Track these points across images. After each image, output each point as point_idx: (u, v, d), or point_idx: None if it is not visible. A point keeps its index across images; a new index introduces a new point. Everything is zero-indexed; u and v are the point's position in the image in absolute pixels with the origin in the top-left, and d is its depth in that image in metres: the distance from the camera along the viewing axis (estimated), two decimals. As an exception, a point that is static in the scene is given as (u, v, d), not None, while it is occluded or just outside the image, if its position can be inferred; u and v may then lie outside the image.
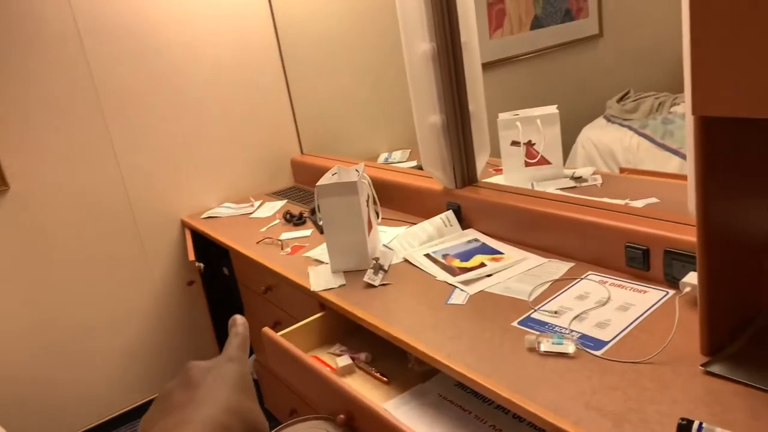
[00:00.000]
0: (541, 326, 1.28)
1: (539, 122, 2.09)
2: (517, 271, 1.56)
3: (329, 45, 2.75)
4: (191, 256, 2.16)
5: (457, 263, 1.66)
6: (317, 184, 1.68)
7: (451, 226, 1.88)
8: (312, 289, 1.65)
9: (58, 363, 2.40)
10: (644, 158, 2.91)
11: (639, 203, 1.66)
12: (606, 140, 3.08)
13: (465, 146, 1.88)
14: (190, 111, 2.55)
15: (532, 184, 2.11)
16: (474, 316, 1.38)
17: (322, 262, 1.83)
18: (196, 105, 2.56)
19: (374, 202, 1.82)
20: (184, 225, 2.56)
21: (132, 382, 2.59)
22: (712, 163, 1.01)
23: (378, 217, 1.83)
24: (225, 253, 2.27)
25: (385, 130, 2.88)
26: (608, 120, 3.23)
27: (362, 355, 1.52)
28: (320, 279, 1.70)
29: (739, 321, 1.15)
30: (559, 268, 1.54)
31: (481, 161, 1.95)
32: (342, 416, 1.25)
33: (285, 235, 2.13)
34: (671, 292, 1.33)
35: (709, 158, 1.00)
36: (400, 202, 2.15)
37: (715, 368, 1.06)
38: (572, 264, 1.55)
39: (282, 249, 2.00)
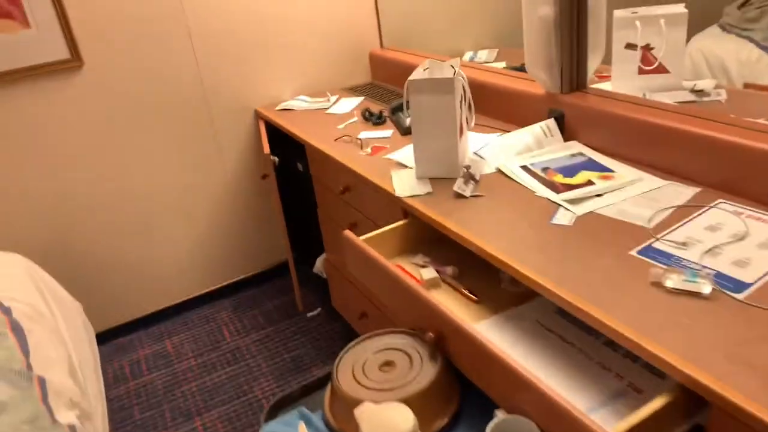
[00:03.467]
0: (666, 258, 1.11)
1: (662, 22, 1.82)
2: (631, 192, 1.38)
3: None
4: (266, 149, 2.05)
5: (559, 179, 1.48)
6: (409, 78, 1.50)
7: (551, 136, 1.68)
8: (396, 194, 1.51)
9: (131, 243, 2.41)
10: (765, 75, 2.56)
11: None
12: (719, 52, 2.72)
13: (578, 45, 1.65)
14: (268, 7, 2.36)
15: (644, 95, 1.87)
16: (584, 240, 1.22)
17: (405, 166, 1.68)
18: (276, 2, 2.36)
19: (469, 105, 1.63)
20: (258, 116, 2.44)
21: (201, 270, 2.59)
22: None
23: (471, 122, 1.65)
24: (300, 148, 2.15)
25: (471, 26, 2.61)
26: (724, 29, 2.84)
27: (448, 269, 1.40)
28: (405, 184, 1.56)
29: None
30: (682, 192, 1.35)
31: (593, 64, 1.71)
32: (431, 334, 1.14)
33: (364, 134, 1.98)
34: (827, 231, 1.13)
35: None
36: (493, 106, 1.95)
37: None
38: (698, 189, 1.35)
39: (362, 149, 1.86)
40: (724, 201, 1.29)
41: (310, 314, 2.46)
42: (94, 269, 2.36)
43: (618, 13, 1.83)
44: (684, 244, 1.16)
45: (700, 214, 1.25)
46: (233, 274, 2.66)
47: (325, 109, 2.32)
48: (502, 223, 1.33)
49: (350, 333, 2.30)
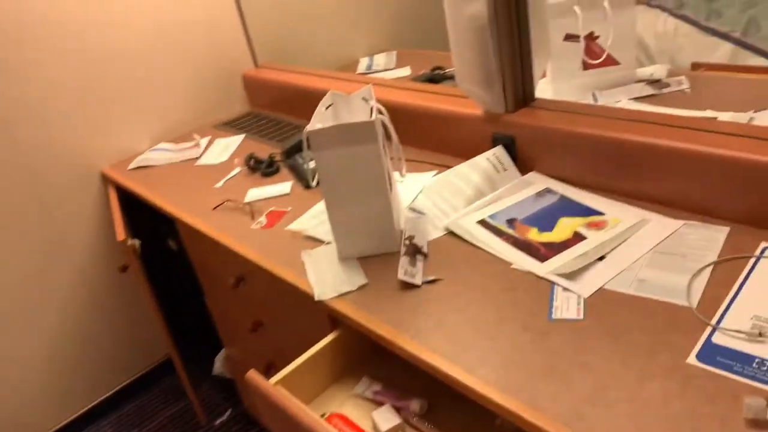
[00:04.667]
0: (746, 364, 0.73)
1: (606, 5, 1.49)
2: (642, 247, 0.99)
3: None
4: (120, 235, 1.50)
5: (534, 235, 1.08)
6: (308, 128, 1.03)
7: (504, 170, 1.28)
8: (317, 298, 1.04)
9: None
10: (684, 46, 2.33)
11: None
12: (630, 27, 2.47)
13: (521, 47, 1.25)
14: (96, 19, 1.78)
15: (593, 95, 1.54)
16: (610, 345, 0.81)
17: (319, 241, 1.21)
18: (103, 11, 1.79)
19: (395, 147, 1.18)
20: (107, 180, 1.86)
21: (65, 389, 1.97)
22: None
23: (402, 170, 1.21)
24: (169, 220, 1.62)
25: (361, 27, 2.17)
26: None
27: (413, 404, 0.96)
28: (325, 275, 1.09)
29: None
30: (711, 237, 0.98)
31: (539, 68, 1.32)
32: None
33: (253, 193, 1.49)
34: None
35: None
36: (418, 134, 1.52)
37: None
38: (725, 228, 0.99)
39: (253, 218, 1.36)
40: (768, 243, 0.94)
41: (219, 421, 1.92)
42: None
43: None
44: (760, 334, 0.78)
45: (750, 271, 0.89)
46: (110, 385, 2.06)
47: (196, 159, 1.79)
48: (479, 327, 0.90)
49: (276, 436, 1.79)
